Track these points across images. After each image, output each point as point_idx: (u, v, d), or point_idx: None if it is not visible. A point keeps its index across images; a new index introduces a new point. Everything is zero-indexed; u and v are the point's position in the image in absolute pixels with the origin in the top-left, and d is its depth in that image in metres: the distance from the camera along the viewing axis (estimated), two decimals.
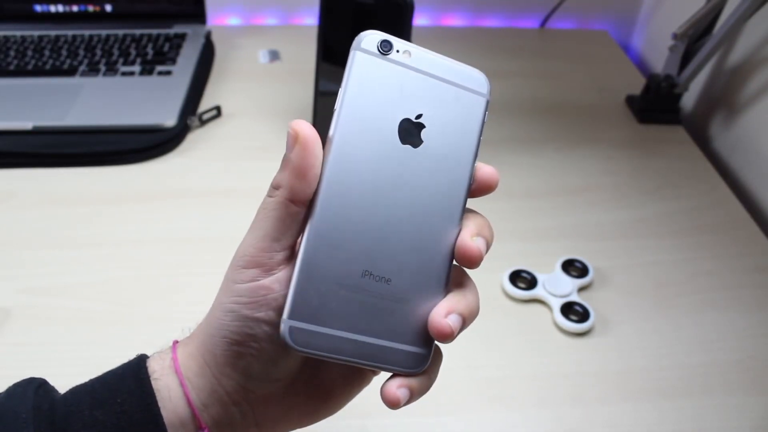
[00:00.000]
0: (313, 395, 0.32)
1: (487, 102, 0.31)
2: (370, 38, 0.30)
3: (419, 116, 0.30)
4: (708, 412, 0.51)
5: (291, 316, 0.28)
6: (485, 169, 0.31)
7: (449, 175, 0.30)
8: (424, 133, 0.30)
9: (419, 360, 0.30)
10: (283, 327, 0.28)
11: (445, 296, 0.30)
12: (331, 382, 0.33)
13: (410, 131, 0.30)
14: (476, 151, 0.31)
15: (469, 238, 0.30)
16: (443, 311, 0.29)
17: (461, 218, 0.30)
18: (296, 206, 0.28)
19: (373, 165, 0.29)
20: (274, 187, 0.29)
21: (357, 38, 0.30)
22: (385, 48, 0.30)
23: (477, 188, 0.31)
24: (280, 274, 0.29)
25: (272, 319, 0.28)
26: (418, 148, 0.30)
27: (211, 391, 0.30)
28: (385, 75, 0.29)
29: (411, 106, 0.30)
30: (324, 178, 0.28)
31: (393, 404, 0.29)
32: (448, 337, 0.29)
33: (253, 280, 0.29)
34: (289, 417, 0.32)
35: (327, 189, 0.28)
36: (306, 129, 0.28)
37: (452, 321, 0.29)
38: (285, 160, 0.28)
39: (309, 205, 0.28)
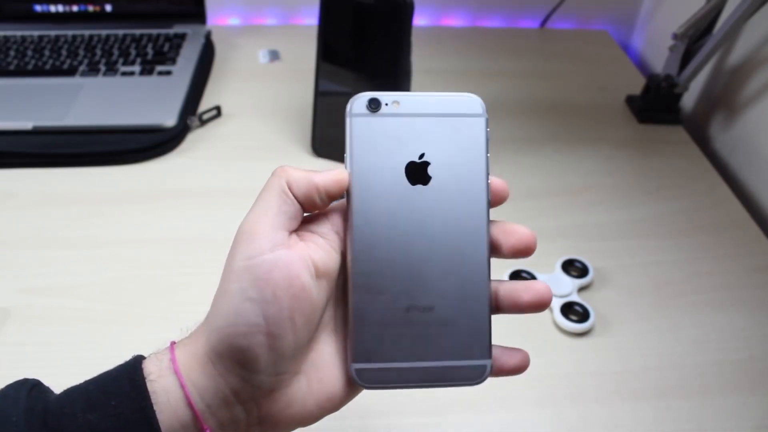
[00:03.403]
0: (315, 390, 0.32)
1: (486, 120, 0.33)
2: (358, 101, 0.33)
3: (422, 156, 0.32)
4: (708, 412, 0.51)
5: (354, 360, 0.32)
6: (494, 183, 0.33)
7: (467, 199, 0.32)
8: (430, 170, 0.32)
9: (480, 370, 0.32)
10: (351, 371, 0.32)
11: (490, 304, 0.32)
12: (333, 377, 0.32)
13: (417, 172, 0.32)
14: (487, 169, 0.32)
15: (515, 226, 0.32)
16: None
17: (488, 233, 0.32)
18: (288, 196, 0.31)
19: (391, 211, 0.32)
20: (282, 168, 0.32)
21: (348, 104, 0.33)
22: (373, 106, 0.32)
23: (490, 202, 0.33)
24: (281, 252, 0.30)
25: (278, 298, 0.29)
26: (429, 185, 0.32)
27: (215, 390, 0.30)
28: (380, 130, 0.32)
29: (412, 150, 0.32)
30: (351, 234, 0.32)
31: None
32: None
33: (258, 255, 0.29)
34: (291, 414, 0.32)
35: (356, 242, 0.32)
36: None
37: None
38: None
39: (344, 257, 0.32)
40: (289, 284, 0.29)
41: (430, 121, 0.32)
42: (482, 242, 0.32)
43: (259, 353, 0.29)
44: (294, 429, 0.33)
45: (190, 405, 0.30)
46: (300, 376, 0.32)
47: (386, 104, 0.33)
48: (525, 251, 0.32)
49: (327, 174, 0.31)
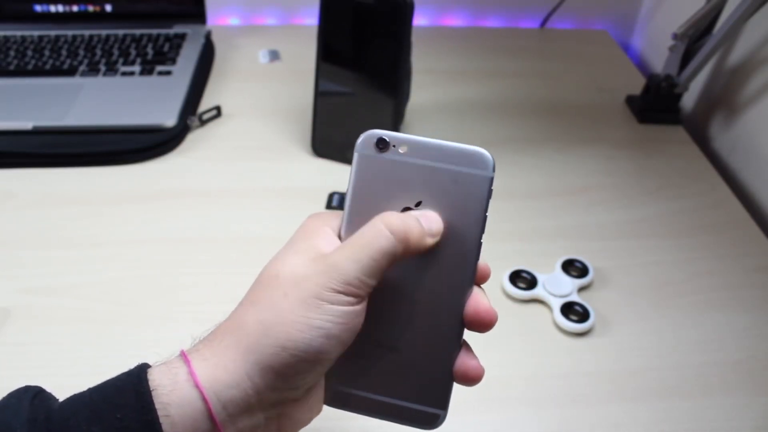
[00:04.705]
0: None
1: (491, 179, 0.32)
2: (367, 139, 0.33)
3: (419, 204, 0.32)
4: (708, 413, 0.51)
5: (329, 379, 0.33)
6: (479, 266, 0.33)
7: (455, 253, 0.32)
8: None
9: (433, 417, 0.34)
10: (326, 388, 0.33)
11: (454, 358, 0.33)
12: None
13: None
14: (482, 227, 0.32)
15: (483, 304, 0.32)
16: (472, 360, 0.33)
17: (469, 292, 0.33)
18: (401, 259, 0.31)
19: None
20: (404, 231, 0.31)
21: (357, 140, 0.33)
22: (380, 145, 0.32)
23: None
24: (365, 303, 0.31)
25: (348, 342, 0.31)
26: None
27: (243, 402, 0.30)
28: (383, 170, 0.32)
29: (410, 195, 0.32)
30: None
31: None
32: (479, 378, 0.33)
33: (350, 305, 0.30)
34: (306, 418, 0.33)
35: None
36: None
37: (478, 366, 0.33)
38: (421, 231, 0.32)
39: None
40: (358, 328, 0.31)
41: (433, 170, 0.32)
42: (460, 301, 0.32)
43: (312, 375, 0.31)
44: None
45: (212, 418, 0.29)
46: (318, 385, 0.33)
47: (394, 146, 0.32)
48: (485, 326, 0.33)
49: (434, 240, 0.32)
